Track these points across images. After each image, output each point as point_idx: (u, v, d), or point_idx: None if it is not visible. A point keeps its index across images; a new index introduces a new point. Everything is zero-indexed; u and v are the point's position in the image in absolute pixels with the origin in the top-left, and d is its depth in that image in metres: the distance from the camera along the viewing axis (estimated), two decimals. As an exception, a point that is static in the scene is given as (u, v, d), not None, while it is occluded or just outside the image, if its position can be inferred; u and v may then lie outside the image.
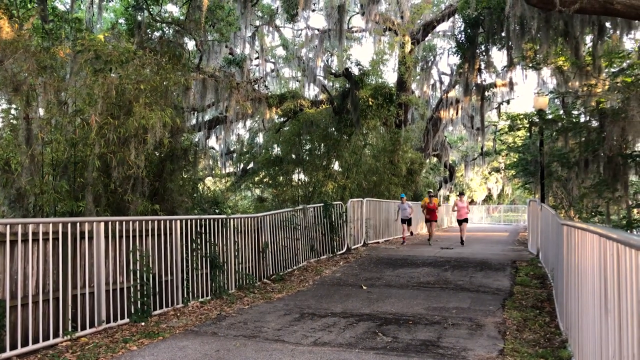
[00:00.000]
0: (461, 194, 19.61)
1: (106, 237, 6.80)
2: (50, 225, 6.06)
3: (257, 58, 24.48)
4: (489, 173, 43.71)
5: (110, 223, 6.91)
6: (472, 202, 42.20)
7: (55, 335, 5.98)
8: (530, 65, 17.52)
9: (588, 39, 14.56)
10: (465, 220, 18.17)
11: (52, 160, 8.19)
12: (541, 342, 6.10)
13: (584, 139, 14.85)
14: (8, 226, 5.56)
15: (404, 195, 18.47)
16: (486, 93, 23.13)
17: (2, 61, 7.30)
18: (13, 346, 5.43)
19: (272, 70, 26.28)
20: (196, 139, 18.45)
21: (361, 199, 16.93)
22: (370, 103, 18.70)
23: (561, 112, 18.73)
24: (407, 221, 18.50)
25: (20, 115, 7.76)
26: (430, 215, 18.32)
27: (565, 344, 5.83)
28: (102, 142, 7.88)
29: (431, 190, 19.07)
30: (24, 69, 7.65)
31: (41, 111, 8.26)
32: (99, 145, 7.84)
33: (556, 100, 19.89)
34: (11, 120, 8.14)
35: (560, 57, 16.44)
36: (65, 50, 8.68)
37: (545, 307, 7.94)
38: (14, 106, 8.12)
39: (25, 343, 5.58)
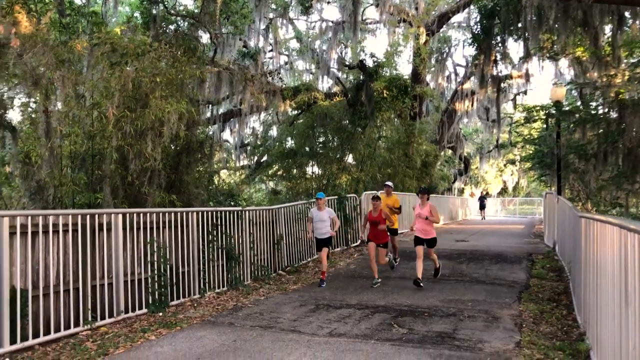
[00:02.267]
0: (423, 191, 9.62)
1: (124, 228, 6.88)
2: (70, 217, 6.15)
3: (271, 51, 24.45)
4: (504, 165, 43.36)
5: (128, 215, 6.99)
6: (487, 194, 41.78)
7: (76, 324, 6.09)
8: (548, 56, 17.27)
9: (607, 28, 14.32)
10: (430, 242, 9.37)
11: (70, 152, 8.31)
12: (558, 335, 6.06)
13: (602, 130, 14.64)
14: (29, 217, 5.65)
15: (322, 195, 10.09)
16: (502, 85, 22.93)
17: (21, 55, 7.40)
18: (35, 334, 5.54)
19: (286, 63, 26.23)
20: (211, 132, 18.55)
21: (375, 192, 16.89)
22: (385, 95, 18.59)
23: (579, 103, 18.46)
24: (325, 242, 9.86)
25: (39, 108, 7.87)
26: (375, 233, 9.51)
27: (583, 336, 5.79)
28: (119, 134, 7.97)
29: (390, 183, 11.65)
30: (42, 63, 7.76)
31: (59, 104, 8.38)
32: (116, 138, 7.93)
33: (573, 91, 19.63)
34: (31, 114, 8.26)
35: (578, 48, 16.19)
36: (83, 43, 8.77)
37: (562, 300, 7.88)
38: (33, 100, 8.24)
39: (47, 332, 5.69)
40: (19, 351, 5.31)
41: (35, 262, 5.74)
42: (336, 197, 14.29)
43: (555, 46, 16.51)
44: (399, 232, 12.19)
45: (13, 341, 5.27)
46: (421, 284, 8.93)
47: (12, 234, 5.41)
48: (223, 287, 8.83)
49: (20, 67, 7.60)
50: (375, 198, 9.70)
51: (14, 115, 19.88)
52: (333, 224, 9.99)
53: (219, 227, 8.87)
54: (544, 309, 7.30)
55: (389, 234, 10.24)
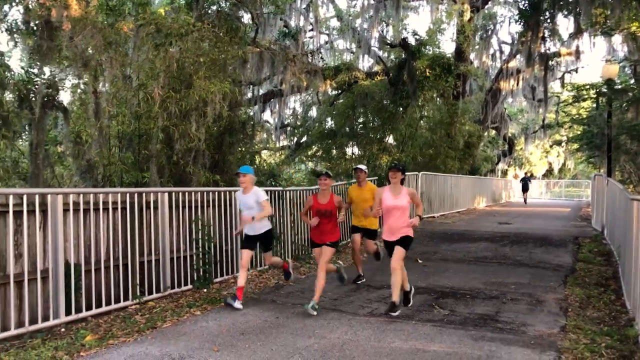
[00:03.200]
0: (395, 168, 6.13)
1: (170, 207, 7.07)
2: (119, 195, 6.35)
3: (312, 30, 24.28)
4: (550, 146, 41.98)
5: (173, 194, 7.17)
6: (531, 175, 40.62)
7: (125, 298, 6.34)
8: (600, 31, 16.52)
9: (666, 1, 13.54)
10: (401, 242, 6.17)
11: (118, 132, 8.56)
12: (606, 320, 5.90)
13: (658, 109, 13.97)
14: (81, 195, 5.88)
15: (247, 170, 6.67)
16: (550, 62, 22.13)
17: (72, 38, 7.62)
18: (88, 307, 5.80)
19: (326, 42, 26.02)
20: (252, 113, 18.72)
21: (416, 173, 16.71)
22: (428, 74, 18.21)
23: (632, 81, 17.63)
24: (258, 240, 6.83)
25: (89, 89, 8.11)
26: (321, 228, 6.49)
27: (632, 322, 5.62)
28: (164, 115, 8.14)
29: (362, 167, 7.94)
30: (91, 45, 7.96)
31: (107, 86, 8.61)
32: (161, 118, 8.10)
33: (627, 68, 18.75)
34: (81, 95, 8.53)
35: (633, 23, 15.40)
36: (129, 25, 8.93)
37: (610, 285, 7.65)
38: (82, 81, 8.49)
39: (99, 305, 5.95)
40: (73, 322, 5.59)
41: (87, 238, 5.98)
42: (376, 177, 14.22)
43: (608, 21, 15.76)
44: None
45: (68, 312, 5.54)
46: (396, 312, 5.92)
47: (65, 210, 5.64)
48: (265, 265, 8.97)
49: (70, 50, 7.84)
50: (325, 175, 6.54)
51: (65, 97, 20.61)
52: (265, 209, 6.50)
53: (261, 206, 8.96)
54: (590, 294, 7.10)
55: (363, 235, 7.79)
